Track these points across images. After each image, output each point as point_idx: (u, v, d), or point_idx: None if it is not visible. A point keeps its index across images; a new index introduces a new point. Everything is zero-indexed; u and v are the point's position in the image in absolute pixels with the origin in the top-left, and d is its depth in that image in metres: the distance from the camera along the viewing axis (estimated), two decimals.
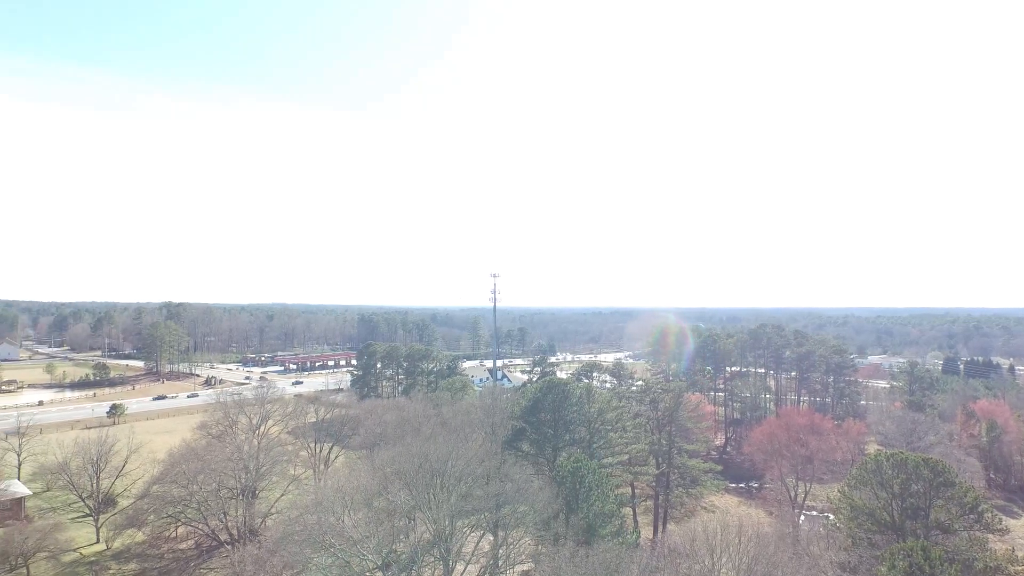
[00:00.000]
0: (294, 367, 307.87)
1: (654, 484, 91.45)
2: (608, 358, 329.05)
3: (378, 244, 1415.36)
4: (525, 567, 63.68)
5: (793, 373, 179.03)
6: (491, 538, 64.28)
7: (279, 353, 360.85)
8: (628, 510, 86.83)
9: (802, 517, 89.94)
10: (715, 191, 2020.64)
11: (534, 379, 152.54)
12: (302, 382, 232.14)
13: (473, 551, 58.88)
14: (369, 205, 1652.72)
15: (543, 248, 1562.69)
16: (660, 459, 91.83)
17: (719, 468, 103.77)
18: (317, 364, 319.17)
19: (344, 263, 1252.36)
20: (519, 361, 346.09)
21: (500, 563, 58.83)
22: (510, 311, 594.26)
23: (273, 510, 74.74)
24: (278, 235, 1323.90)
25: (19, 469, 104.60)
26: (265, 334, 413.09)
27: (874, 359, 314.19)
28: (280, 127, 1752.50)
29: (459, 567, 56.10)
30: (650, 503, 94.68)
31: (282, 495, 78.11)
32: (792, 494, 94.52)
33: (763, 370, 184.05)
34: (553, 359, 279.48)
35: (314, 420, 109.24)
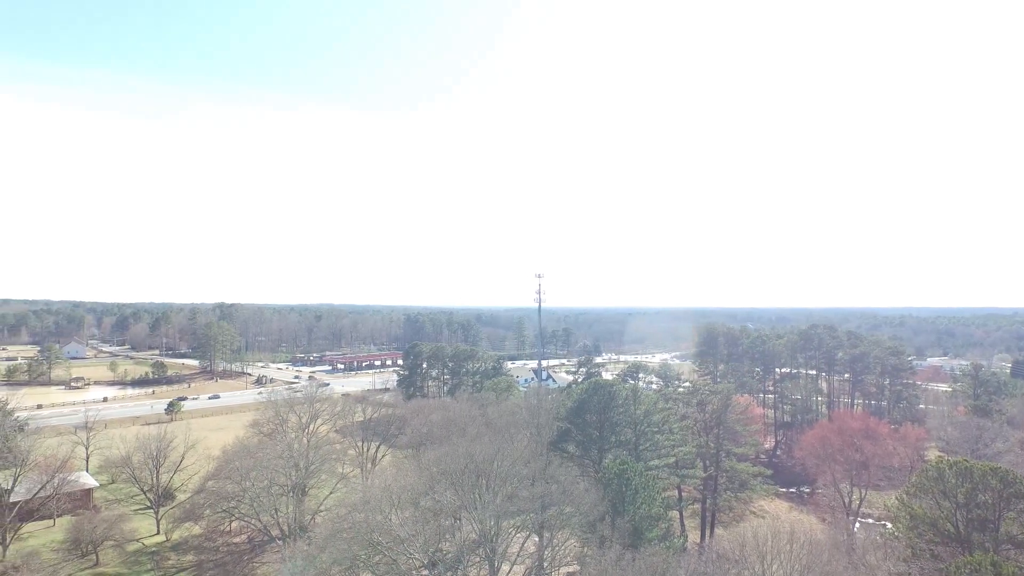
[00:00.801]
0: (342, 367, 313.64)
1: (701, 487, 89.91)
2: (654, 359, 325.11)
3: (424, 245, 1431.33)
4: (570, 569, 63.35)
5: (846, 375, 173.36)
6: (536, 539, 64.20)
7: (327, 353, 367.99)
8: (675, 513, 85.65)
9: (857, 525, 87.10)
10: (764, 188, 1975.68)
11: (579, 380, 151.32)
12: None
13: (519, 552, 58.86)
14: (416, 205, 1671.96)
15: (588, 248, 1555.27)
16: (707, 462, 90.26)
17: (769, 472, 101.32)
18: (364, 364, 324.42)
19: (390, 264, 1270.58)
20: (564, 361, 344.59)
21: (546, 565, 58.69)
22: (555, 311, 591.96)
23: (322, 507, 76.15)
24: (326, 236, 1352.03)
25: (87, 462, 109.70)
26: (313, 334, 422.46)
27: (934, 361, 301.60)
28: (328, 129, 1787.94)
29: (504, 567, 56.14)
30: (697, 507, 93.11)
31: (331, 493, 79.56)
32: (846, 500, 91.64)
33: (814, 372, 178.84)
34: (598, 359, 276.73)
35: (361, 419, 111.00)
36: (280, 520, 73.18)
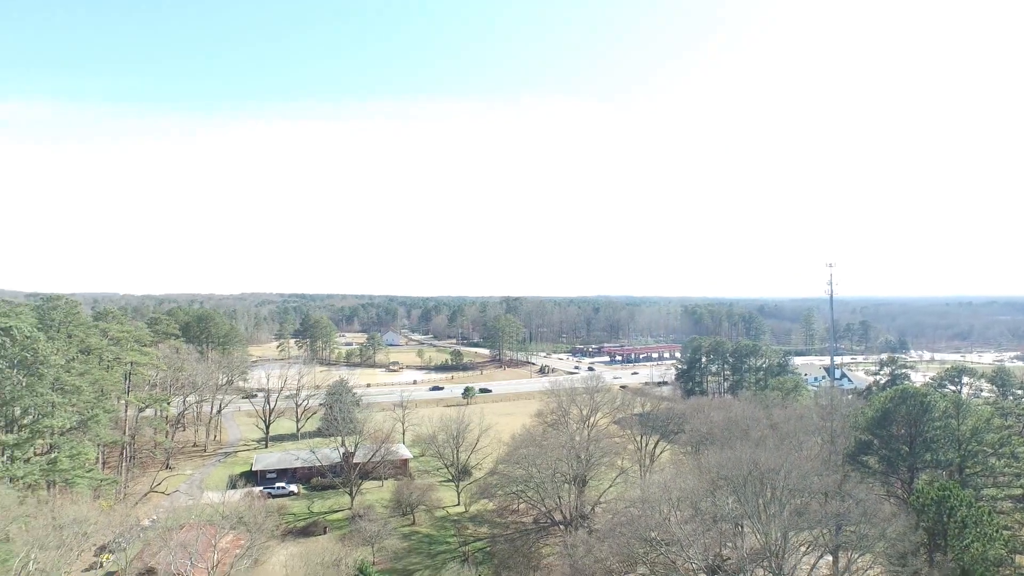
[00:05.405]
0: (619, 358, 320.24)
1: None
2: (982, 360, 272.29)
3: (704, 233, 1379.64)
4: None
5: None
6: (830, 559, 58.21)
7: (605, 344, 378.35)
8: None
9: None
10: None
11: (881, 382, 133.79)
12: (610, 377, 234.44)
13: (809, 572, 54.00)
14: (692, 193, 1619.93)
15: (887, 227, 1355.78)
16: None
17: None
18: (641, 356, 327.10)
19: (668, 254, 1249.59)
20: (860, 359, 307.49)
21: None
22: (848, 301, 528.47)
23: (602, 499, 78.62)
24: (604, 228, 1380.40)
25: (403, 435, 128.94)
26: (592, 325, 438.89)
27: None
28: (585, 122, 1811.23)
29: None
30: None
31: (610, 486, 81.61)
32: None
33: None
34: (905, 358, 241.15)
35: (639, 412, 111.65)
36: (563, 506, 77.43)
